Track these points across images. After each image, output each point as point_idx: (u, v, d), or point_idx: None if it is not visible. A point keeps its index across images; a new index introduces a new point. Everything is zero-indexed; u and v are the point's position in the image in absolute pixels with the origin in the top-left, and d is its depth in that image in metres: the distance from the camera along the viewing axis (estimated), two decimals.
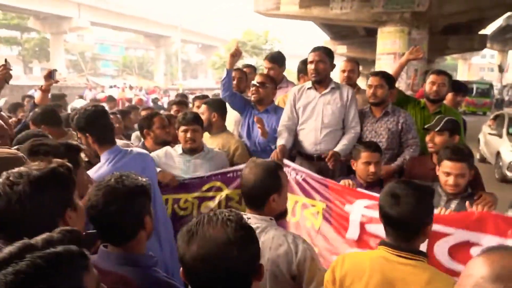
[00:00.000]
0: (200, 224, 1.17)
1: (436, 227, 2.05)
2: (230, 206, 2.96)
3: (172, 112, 4.52)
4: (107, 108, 6.10)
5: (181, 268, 1.19)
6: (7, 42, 40.01)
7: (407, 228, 1.61)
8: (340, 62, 3.83)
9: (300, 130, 3.26)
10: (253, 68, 4.69)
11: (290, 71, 9.70)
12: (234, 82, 3.84)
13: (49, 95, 3.99)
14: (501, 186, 7.93)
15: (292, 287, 1.76)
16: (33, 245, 0.86)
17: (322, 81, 3.20)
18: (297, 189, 2.84)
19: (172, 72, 53.33)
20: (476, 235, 2.12)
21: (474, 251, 2.08)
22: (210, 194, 3.01)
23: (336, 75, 3.76)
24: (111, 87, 24.75)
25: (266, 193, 1.89)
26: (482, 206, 2.26)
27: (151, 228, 1.57)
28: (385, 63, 10.73)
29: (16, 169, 1.31)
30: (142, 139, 3.50)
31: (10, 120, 3.68)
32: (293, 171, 2.91)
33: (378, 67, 10.79)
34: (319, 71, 3.15)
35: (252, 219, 1.84)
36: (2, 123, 2.57)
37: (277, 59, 4.13)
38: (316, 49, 3.21)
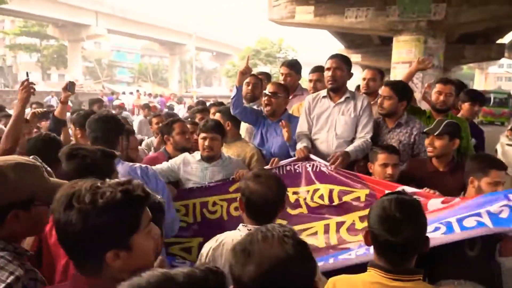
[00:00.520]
0: (255, 242, 1.12)
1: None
2: None
3: (197, 120, 4.53)
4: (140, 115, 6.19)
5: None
6: (27, 49, 40.91)
7: (409, 251, 1.50)
8: (357, 71, 3.82)
9: (314, 140, 3.22)
10: (267, 76, 4.68)
11: (304, 79, 9.66)
12: (249, 87, 3.84)
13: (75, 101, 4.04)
14: None
15: None
16: (173, 278, 0.83)
17: (338, 89, 3.14)
18: (331, 178, 2.84)
19: (186, 79, 53.82)
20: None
21: None
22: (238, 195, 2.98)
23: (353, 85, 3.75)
24: (123, 93, 25.07)
25: (280, 206, 1.87)
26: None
27: (160, 248, 1.51)
28: (400, 72, 10.63)
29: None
30: (163, 146, 3.57)
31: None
32: (321, 164, 2.92)
33: (393, 76, 10.71)
34: (336, 78, 3.09)
35: (253, 230, 1.82)
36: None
37: (294, 66, 4.12)
38: (333, 56, 3.16)
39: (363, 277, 1.57)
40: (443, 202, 2.34)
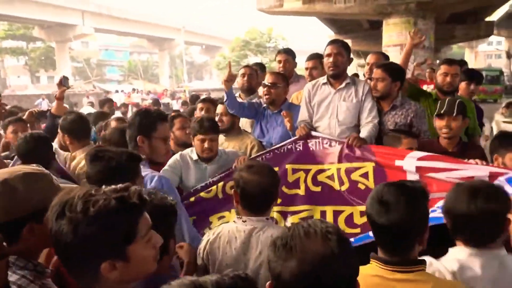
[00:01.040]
0: (297, 237, 1.08)
1: None
2: None
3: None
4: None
5: (271, 283, 1.10)
6: (14, 53, 40.41)
7: (400, 238, 1.44)
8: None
9: (315, 128, 3.17)
10: (261, 66, 4.64)
11: (299, 67, 9.65)
12: (245, 79, 3.82)
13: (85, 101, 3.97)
14: None
15: None
16: (202, 285, 0.82)
17: (339, 76, 3.09)
18: (336, 157, 2.82)
19: (177, 74, 53.49)
20: None
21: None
22: None
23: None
24: (116, 91, 24.89)
25: (274, 195, 1.88)
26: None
27: (173, 253, 1.45)
28: (392, 55, 10.54)
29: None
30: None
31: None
32: (325, 140, 2.90)
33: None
34: (337, 64, 3.03)
35: (248, 221, 1.83)
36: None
37: (291, 53, 4.12)
38: (333, 42, 3.10)
39: (365, 270, 1.49)
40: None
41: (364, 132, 2.96)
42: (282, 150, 2.95)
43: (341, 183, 2.76)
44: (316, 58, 3.80)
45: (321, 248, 1.05)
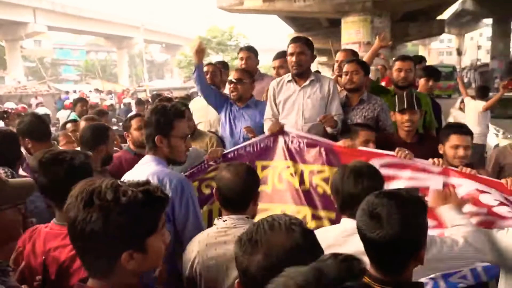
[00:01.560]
0: (262, 231, 1.09)
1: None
2: None
3: None
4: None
5: (240, 280, 1.11)
6: None
7: (393, 255, 1.31)
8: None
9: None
10: (224, 64, 4.65)
11: (263, 65, 9.74)
12: (208, 76, 3.79)
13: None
14: None
15: None
16: (325, 274, 0.82)
17: (303, 74, 3.12)
18: (304, 157, 2.81)
19: (136, 73, 52.27)
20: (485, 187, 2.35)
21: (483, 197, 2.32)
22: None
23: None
24: (74, 91, 23.97)
25: (253, 193, 1.87)
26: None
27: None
28: None
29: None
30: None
31: None
32: (296, 138, 2.85)
33: None
34: (301, 63, 3.05)
35: (229, 220, 1.82)
36: None
37: (253, 50, 4.13)
38: (296, 40, 3.10)
39: None
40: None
41: (334, 117, 3.01)
42: (253, 147, 2.92)
43: (302, 183, 2.77)
44: (283, 56, 3.82)
45: (286, 240, 1.07)
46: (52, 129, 5.50)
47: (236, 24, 41.64)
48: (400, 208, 1.30)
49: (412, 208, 1.33)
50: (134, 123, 3.35)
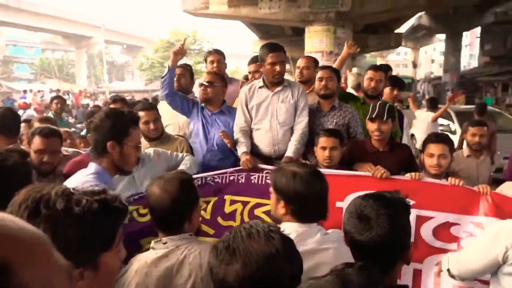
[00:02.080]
0: (239, 239, 1.05)
1: (421, 212, 2.36)
2: None
3: None
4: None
5: None
6: None
7: (383, 256, 1.31)
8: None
9: (255, 130, 3.18)
10: (189, 68, 4.58)
11: (232, 70, 9.68)
12: (175, 78, 3.65)
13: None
14: None
15: None
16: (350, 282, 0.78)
17: (282, 82, 3.13)
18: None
19: (95, 74, 50.67)
20: (455, 216, 2.38)
21: (453, 230, 2.37)
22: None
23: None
24: (25, 91, 22.83)
25: (187, 211, 1.65)
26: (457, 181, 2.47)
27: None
28: None
29: None
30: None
31: None
32: (269, 174, 2.71)
33: None
34: (282, 73, 3.08)
35: (170, 242, 1.60)
36: None
37: (221, 53, 4.08)
38: (278, 49, 3.07)
39: None
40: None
41: (291, 148, 3.01)
42: (223, 179, 2.80)
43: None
44: (257, 61, 3.80)
45: (265, 247, 1.03)
46: None
47: (200, 28, 41.32)
48: (387, 209, 1.30)
49: (398, 209, 1.34)
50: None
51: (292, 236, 1.26)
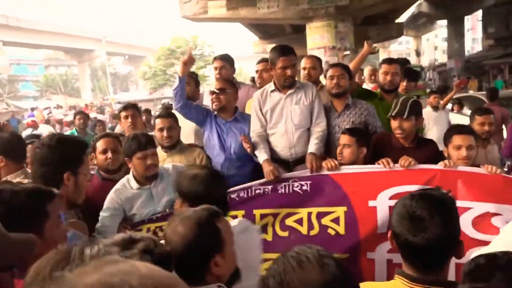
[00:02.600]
0: (290, 271, 0.95)
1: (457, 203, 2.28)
2: None
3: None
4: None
5: None
6: None
7: (437, 256, 1.30)
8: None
9: (270, 135, 3.11)
10: (194, 76, 4.55)
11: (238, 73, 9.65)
12: None
13: None
14: None
15: None
16: None
17: (293, 84, 3.07)
18: (306, 199, 2.71)
19: (100, 86, 50.99)
20: (496, 206, 2.29)
21: (495, 220, 2.27)
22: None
23: None
24: (32, 109, 23.03)
25: (205, 258, 1.38)
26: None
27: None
28: None
29: None
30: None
31: None
32: (296, 182, 2.75)
33: None
34: (294, 76, 3.04)
35: None
36: None
37: (227, 59, 3.99)
38: (288, 53, 3.01)
39: (388, 285, 1.42)
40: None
41: (312, 145, 2.96)
42: (249, 193, 2.78)
43: (311, 227, 2.66)
44: (265, 61, 3.75)
45: (321, 275, 0.94)
46: None
47: (200, 33, 41.43)
48: (439, 208, 1.31)
49: (448, 206, 1.35)
50: (100, 145, 2.93)
51: None
